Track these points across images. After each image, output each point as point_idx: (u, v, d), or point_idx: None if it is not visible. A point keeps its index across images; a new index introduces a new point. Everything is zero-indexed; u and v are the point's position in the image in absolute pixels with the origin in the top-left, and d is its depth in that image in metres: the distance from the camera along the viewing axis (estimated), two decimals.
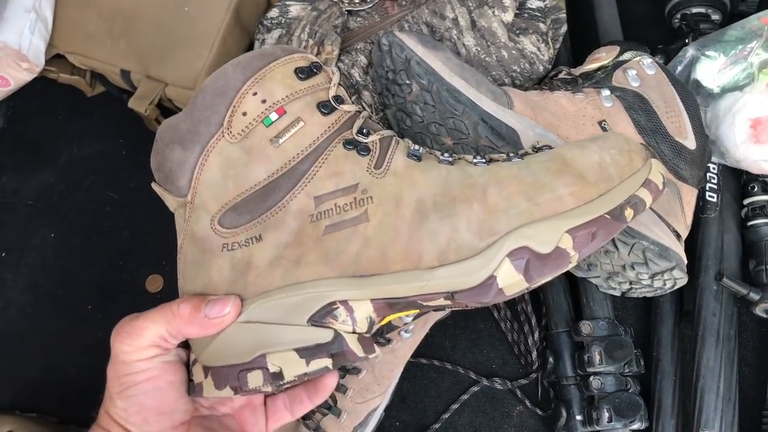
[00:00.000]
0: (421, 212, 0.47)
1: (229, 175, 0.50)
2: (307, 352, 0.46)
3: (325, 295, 0.46)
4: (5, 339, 0.81)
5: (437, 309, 0.50)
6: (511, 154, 0.51)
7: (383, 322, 0.49)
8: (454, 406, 0.74)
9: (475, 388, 0.74)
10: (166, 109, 0.83)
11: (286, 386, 0.48)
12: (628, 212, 0.47)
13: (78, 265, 0.83)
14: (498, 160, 0.51)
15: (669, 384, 0.69)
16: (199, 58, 0.79)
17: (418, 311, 0.49)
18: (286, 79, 0.51)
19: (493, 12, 0.70)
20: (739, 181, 0.73)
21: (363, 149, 0.50)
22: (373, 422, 0.70)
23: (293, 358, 0.46)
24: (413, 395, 0.75)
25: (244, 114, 0.50)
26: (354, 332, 0.47)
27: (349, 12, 0.73)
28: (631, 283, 0.66)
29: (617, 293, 0.69)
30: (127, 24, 0.81)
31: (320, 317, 0.46)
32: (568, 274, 0.72)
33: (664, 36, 0.83)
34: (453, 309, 0.60)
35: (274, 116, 0.50)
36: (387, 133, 0.52)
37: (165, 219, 0.82)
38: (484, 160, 0.51)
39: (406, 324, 0.65)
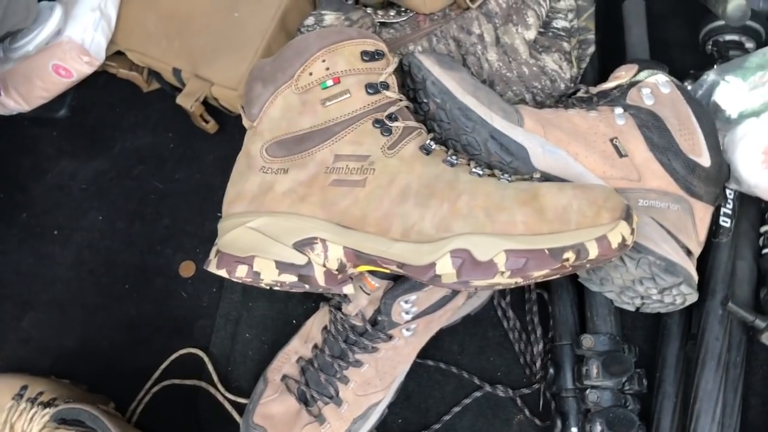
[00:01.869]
0: (405, 195, 0.56)
1: (285, 117, 0.62)
2: (282, 266, 0.59)
3: (312, 230, 0.58)
4: (49, 309, 0.88)
5: (393, 272, 0.60)
6: (506, 174, 0.59)
7: (357, 269, 0.60)
8: (456, 409, 0.75)
9: (478, 394, 0.76)
10: (211, 107, 0.89)
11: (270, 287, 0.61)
12: (569, 255, 0.53)
13: (120, 246, 0.89)
14: (495, 177, 0.59)
15: (669, 405, 0.69)
16: (244, 62, 0.84)
17: (379, 269, 0.60)
18: (350, 57, 0.62)
19: (516, 29, 0.73)
20: (758, 208, 0.73)
21: (386, 131, 0.60)
22: (375, 417, 0.72)
23: (271, 266, 0.59)
24: (417, 395, 0.77)
25: (311, 74, 0.62)
26: (324, 266, 0.58)
27: (382, 24, 0.77)
28: (642, 298, 0.67)
29: (631, 308, 0.70)
30: (182, 26, 0.87)
31: (302, 245, 0.58)
32: (577, 288, 0.74)
33: (698, 62, 0.83)
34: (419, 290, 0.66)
35: (330, 83, 0.62)
36: (413, 124, 0.61)
37: (202, 210, 0.89)
38: (481, 172, 0.58)
39: (407, 322, 0.67)
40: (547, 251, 0.53)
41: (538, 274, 0.54)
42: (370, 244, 0.57)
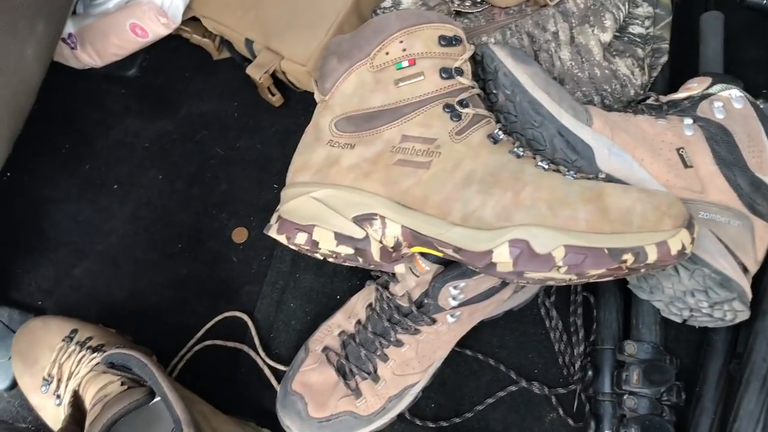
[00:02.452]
0: (468, 180, 0.57)
1: (357, 94, 0.64)
2: (341, 238, 0.60)
3: (372, 206, 0.60)
4: (102, 260, 0.90)
5: (447, 257, 0.60)
6: (571, 171, 0.59)
7: (411, 249, 0.61)
8: (490, 401, 0.76)
9: (513, 388, 0.76)
10: (278, 80, 0.90)
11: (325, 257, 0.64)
12: (628, 257, 0.53)
13: (177, 207, 0.91)
14: (560, 172, 0.59)
15: (707, 421, 0.69)
16: (315, 39, 0.85)
17: (433, 252, 0.60)
18: (428, 41, 0.63)
19: (592, 31, 0.73)
20: None
21: (455, 116, 0.61)
22: (409, 398, 0.73)
23: (330, 237, 0.60)
24: (453, 382, 0.78)
25: (387, 53, 0.63)
26: (380, 242, 0.60)
27: (458, 13, 0.78)
28: (691, 310, 0.67)
29: (678, 319, 0.70)
30: None
31: (361, 219, 0.60)
32: (624, 295, 0.74)
33: None
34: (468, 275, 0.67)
35: (405, 64, 0.63)
36: (483, 112, 0.62)
37: (259, 180, 0.90)
38: (546, 166, 0.59)
39: (453, 308, 0.68)
40: (606, 250, 0.53)
41: (594, 272, 0.54)
42: (429, 226, 0.57)
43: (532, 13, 0.75)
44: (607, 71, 0.72)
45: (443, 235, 0.57)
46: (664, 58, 0.77)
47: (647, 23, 0.76)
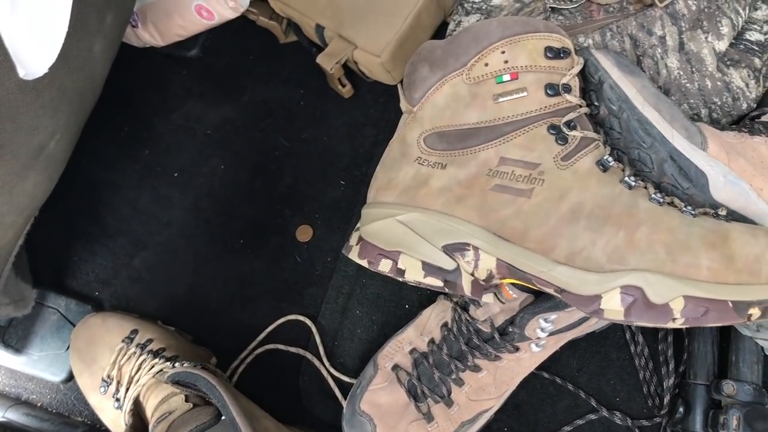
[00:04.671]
0: (575, 214, 0.52)
1: (450, 107, 0.58)
2: (429, 268, 0.55)
3: (465, 236, 0.54)
4: (161, 252, 0.87)
5: (546, 292, 0.55)
6: (689, 207, 0.53)
7: (503, 281, 0.56)
8: (567, 428, 0.72)
9: (593, 416, 0.72)
10: (350, 70, 0.85)
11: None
12: (754, 311, 0.48)
13: (239, 199, 0.88)
14: (676, 207, 0.53)
15: None
16: (392, 28, 0.79)
17: (529, 285, 0.55)
18: (533, 52, 0.57)
19: (706, 37, 0.66)
20: None
21: (561, 139, 0.55)
22: (482, 422, 0.69)
23: (417, 266, 0.55)
24: (528, 406, 0.74)
25: (486, 65, 0.57)
26: (472, 275, 0.55)
27: (552, 9, 0.71)
28: None
29: None
30: None
31: (452, 249, 0.54)
32: (720, 327, 0.68)
33: None
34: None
35: (506, 77, 0.57)
36: (592, 135, 0.55)
37: (327, 175, 0.86)
38: (661, 200, 0.53)
39: (539, 338, 0.64)
40: (731, 303, 0.47)
41: (715, 325, 0.49)
42: (529, 262, 0.52)
43: (636, 14, 0.68)
44: (719, 83, 0.66)
45: (545, 273, 0.52)
46: None
47: (766, 28, 0.68)
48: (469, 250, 0.54)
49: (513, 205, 0.54)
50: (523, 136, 0.55)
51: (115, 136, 0.93)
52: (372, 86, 0.87)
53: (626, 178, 0.54)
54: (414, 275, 0.55)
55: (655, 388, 0.71)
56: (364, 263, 0.57)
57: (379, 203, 0.58)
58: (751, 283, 0.48)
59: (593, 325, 0.69)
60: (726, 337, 0.68)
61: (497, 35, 0.57)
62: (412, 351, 0.70)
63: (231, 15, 0.85)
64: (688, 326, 0.49)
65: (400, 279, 0.56)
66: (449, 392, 0.67)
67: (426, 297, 0.78)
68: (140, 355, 0.73)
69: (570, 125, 0.55)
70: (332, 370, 0.77)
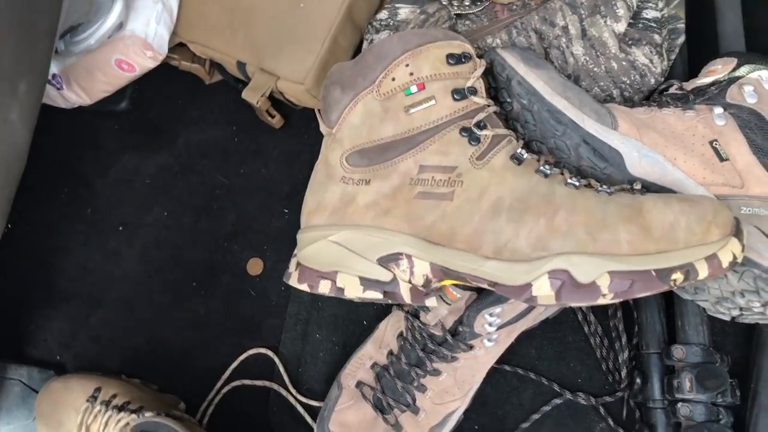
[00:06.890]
0: (496, 209, 0.53)
1: (366, 124, 0.59)
2: (367, 283, 0.56)
3: (397, 245, 0.56)
4: (117, 307, 0.87)
5: (482, 288, 0.56)
6: (604, 186, 0.55)
7: (443, 283, 0.57)
8: (535, 416, 0.73)
9: (558, 401, 0.73)
10: (277, 101, 0.86)
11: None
12: (677, 276, 0.49)
13: (186, 243, 0.88)
14: (592, 188, 0.55)
15: (767, 419, 0.66)
16: (311, 54, 0.80)
17: (466, 283, 0.56)
18: (435, 61, 0.58)
19: (605, 21, 0.68)
20: None
21: (474, 139, 0.56)
22: (451, 424, 0.70)
23: (355, 283, 0.56)
24: (494, 401, 0.75)
25: (393, 79, 0.59)
26: (409, 282, 0.56)
27: (458, 15, 0.73)
28: (741, 309, 0.63)
29: (726, 318, 0.66)
30: (245, 17, 0.84)
31: (387, 260, 0.56)
32: (664, 294, 0.70)
33: None
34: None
35: (414, 89, 0.58)
36: (503, 132, 0.57)
37: (270, 206, 0.87)
38: (577, 183, 0.55)
39: (489, 333, 0.65)
40: (654, 272, 0.49)
41: (643, 295, 0.50)
42: (460, 262, 0.54)
43: (537, 8, 0.71)
44: (624, 63, 0.68)
45: (476, 270, 0.53)
46: (681, 39, 0.73)
47: (660, 5, 0.71)
48: (402, 259, 0.56)
49: (437, 209, 0.55)
50: (438, 143, 0.57)
51: (56, 199, 0.93)
52: (302, 113, 0.88)
53: (541, 167, 0.56)
54: (354, 292, 0.56)
55: (613, 364, 0.73)
56: (304, 287, 0.58)
57: (311, 227, 0.59)
58: (669, 249, 0.50)
59: (543, 312, 0.71)
60: (671, 303, 0.70)
61: (399, 50, 0.59)
62: (373, 365, 0.71)
63: (151, 64, 0.86)
64: (618, 300, 0.51)
65: (343, 297, 0.57)
66: (414, 400, 0.68)
67: (381, 310, 0.79)
68: (106, 411, 0.73)
69: (480, 125, 0.57)
70: (300, 397, 0.78)
